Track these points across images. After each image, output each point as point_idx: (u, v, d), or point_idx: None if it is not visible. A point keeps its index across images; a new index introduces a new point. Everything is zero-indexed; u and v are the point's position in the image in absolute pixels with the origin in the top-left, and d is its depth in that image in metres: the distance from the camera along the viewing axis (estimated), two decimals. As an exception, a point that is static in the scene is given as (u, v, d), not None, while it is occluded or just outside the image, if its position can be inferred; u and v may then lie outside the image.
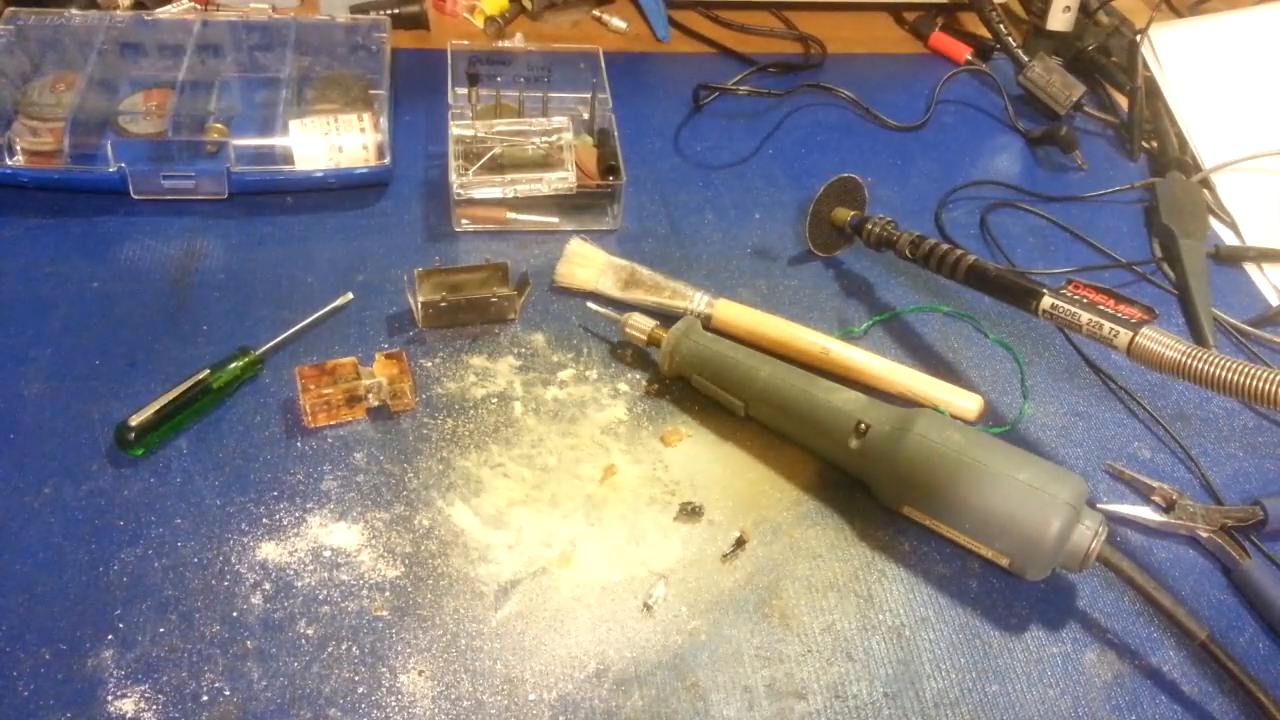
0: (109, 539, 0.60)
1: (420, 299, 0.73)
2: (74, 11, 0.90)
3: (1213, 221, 0.96)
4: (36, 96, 0.82)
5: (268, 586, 0.59)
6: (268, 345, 0.70)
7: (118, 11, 0.93)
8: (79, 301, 0.74)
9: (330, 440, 0.67)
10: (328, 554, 0.61)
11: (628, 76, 1.02)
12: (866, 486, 0.67)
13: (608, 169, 0.84)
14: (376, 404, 0.69)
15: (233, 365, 0.68)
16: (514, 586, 0.61)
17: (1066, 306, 0.67)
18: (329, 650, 0.57)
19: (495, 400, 0.71)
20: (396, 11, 1.02)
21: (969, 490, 0.61)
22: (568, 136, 0.82)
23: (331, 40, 0.93)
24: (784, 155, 0.97)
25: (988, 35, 1.12)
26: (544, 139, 0.83)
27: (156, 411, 0.64)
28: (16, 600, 0.57)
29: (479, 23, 1.04)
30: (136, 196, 0.80)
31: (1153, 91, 1.06)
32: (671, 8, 1.12)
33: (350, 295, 0.75)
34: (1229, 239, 0.96)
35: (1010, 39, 1.09)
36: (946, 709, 0.58)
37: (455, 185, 0.80)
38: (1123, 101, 1.09)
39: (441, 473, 0.66)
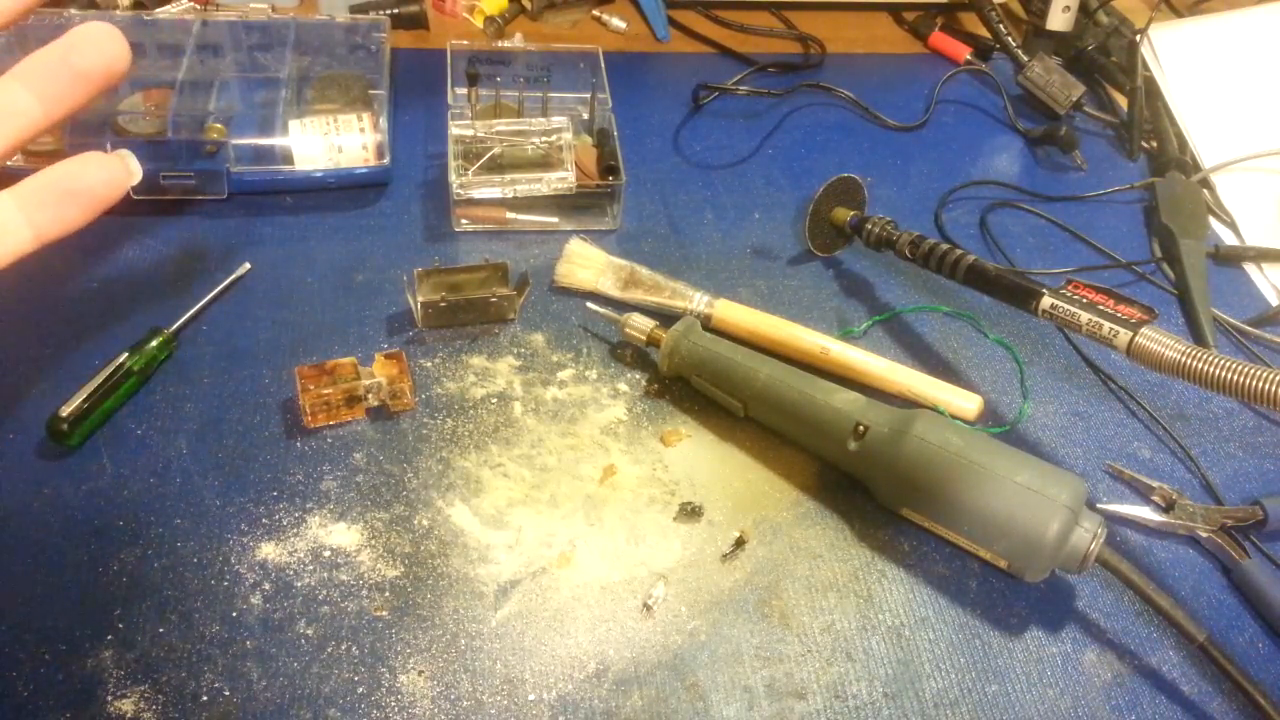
0: (109, 539, 0.60)
1: (420, 299, 0.73)
2: (73, 11, 0.90)
3: (1212, 221, 0.96)
4: (36, 96, 0.82)
5: (267, 587, 0.59)
6: (179, 322, 0.71)
7: (117, 11, 0.93)
8: (78, 301, 0.73)
9: (330, 440, 0.67)
10: (327, 554, 0.61)
11: (627, 76, 1.02)
12: (866, 488, 0.67)
13: (607, 169, 0.84)
14: (376, 404, 0.69)
15: (149, 346, 0.68)
16: (514, 586, 0.61)
17: (1066, 306, 0.67)
18: (329, 650, 0.57)
19: (495, 400, 0.71)
20: (396, 11, 1.02)
21: (967, 493, 0.61)
22: (567, 136, 0.82)
23: (331, 40, 0.93)
24: (784, 155, 0.97)
25: (987, 35, 1.12)
26: (544, 139, 0.82)
27: (84, 400, 0.64)
28: (16, 600, 0.57)
29: (478, 23, 1.04)
30: (136, 196, 0.80)
31: (1152, 91, 1.06)
32: (671, 8, 1.12)
33: (248, 265, 0.76)
34: (1229, 239, 0.96)
35: (1010, 39, 1.09)
36: (946, 709, 0.58)
37: (455, 185, 0.80)
38: (1122, 101, 1.09)
39: (441, 473, 0.66)
